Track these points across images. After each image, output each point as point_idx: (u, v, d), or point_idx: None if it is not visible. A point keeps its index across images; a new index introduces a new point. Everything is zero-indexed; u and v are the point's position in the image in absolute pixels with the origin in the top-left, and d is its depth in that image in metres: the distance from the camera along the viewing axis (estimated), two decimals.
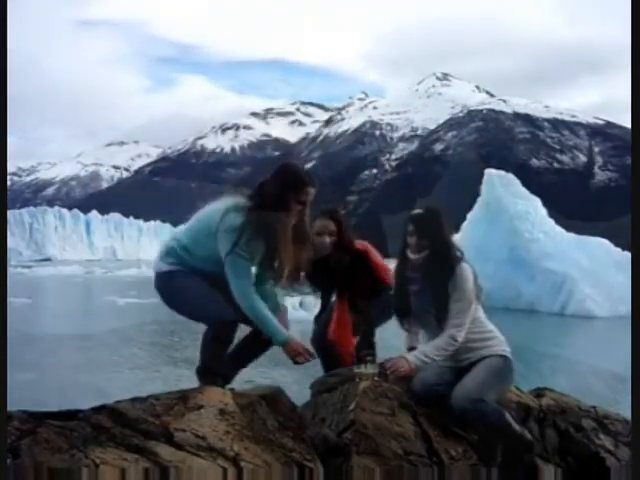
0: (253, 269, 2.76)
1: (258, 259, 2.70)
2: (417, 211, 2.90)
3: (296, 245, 2.73)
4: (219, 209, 2.64)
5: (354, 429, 2.49)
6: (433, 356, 2.68)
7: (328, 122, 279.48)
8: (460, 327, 2.69)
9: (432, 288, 2.76)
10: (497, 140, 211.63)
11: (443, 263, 2.77)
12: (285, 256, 2.67)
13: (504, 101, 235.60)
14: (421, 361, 2.67)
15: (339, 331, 3.21)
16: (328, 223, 3.28)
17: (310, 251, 2.90)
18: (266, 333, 2.66)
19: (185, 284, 2.66)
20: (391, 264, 3.06)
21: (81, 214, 79.96)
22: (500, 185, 19.11)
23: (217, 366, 2.69)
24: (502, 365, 2.73)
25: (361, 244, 3.36)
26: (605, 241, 18.61)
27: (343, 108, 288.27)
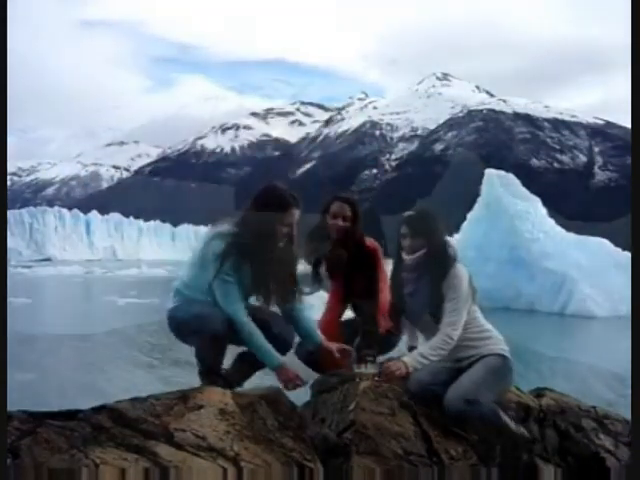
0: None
1: (248, 283, 2.72)
2: (409, 213, 2.91)
3: (284, 267, 2.78)
4: (207, 238, 2.72)
5: (354, 429, 2.49)
6: (430, 357, 2.68)
7: (328, 122, 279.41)
8: (455, 325, 2.69)
9: (427, 288, 2.77)
10: (497, 140, 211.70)
11: (437, 263, 2.77)
12: (273, 281, 2.74)
13: (504, 101, 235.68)
14: (418, 362, 2.67)
15: (325, 335, 3.15)
16: (345, 207, 3.27)
17: (295, 271, 2.91)
18: (259, 357, 2.70)
19: (186, 311, 2.71)
20: (390, 265, 3.05)
21: (81, 214, 79.85)
22: (500, 185, 19.11)
23: (217, 365, 2.71)
24: (501, 364, 2.73)
25: (372, 242, 3.31)
26: (605, 241, 18.60)
27: (343, 108, 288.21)
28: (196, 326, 2.66)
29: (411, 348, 2.98)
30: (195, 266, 2.75)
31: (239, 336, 2.66)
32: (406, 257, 2.84)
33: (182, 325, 2.73)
